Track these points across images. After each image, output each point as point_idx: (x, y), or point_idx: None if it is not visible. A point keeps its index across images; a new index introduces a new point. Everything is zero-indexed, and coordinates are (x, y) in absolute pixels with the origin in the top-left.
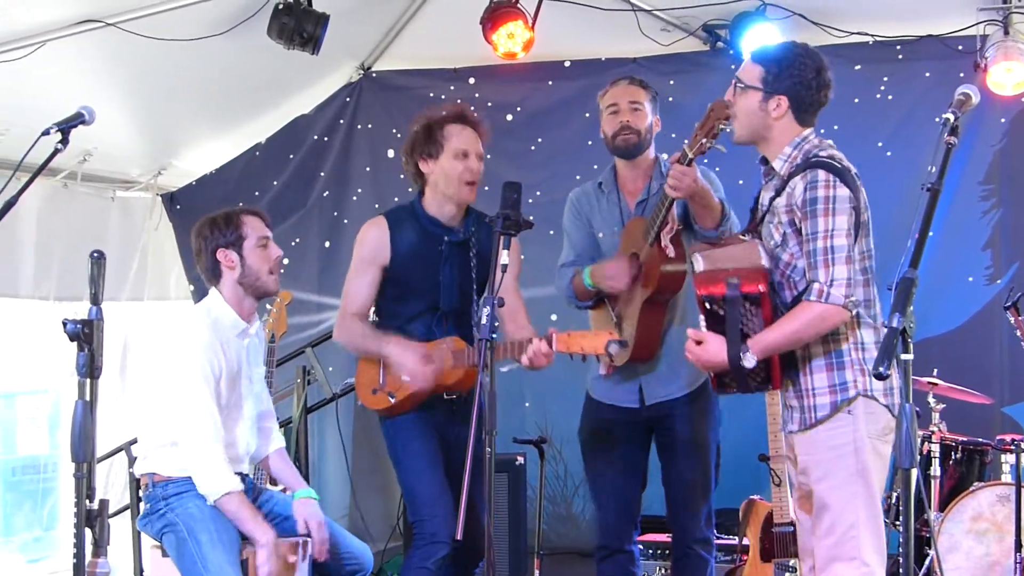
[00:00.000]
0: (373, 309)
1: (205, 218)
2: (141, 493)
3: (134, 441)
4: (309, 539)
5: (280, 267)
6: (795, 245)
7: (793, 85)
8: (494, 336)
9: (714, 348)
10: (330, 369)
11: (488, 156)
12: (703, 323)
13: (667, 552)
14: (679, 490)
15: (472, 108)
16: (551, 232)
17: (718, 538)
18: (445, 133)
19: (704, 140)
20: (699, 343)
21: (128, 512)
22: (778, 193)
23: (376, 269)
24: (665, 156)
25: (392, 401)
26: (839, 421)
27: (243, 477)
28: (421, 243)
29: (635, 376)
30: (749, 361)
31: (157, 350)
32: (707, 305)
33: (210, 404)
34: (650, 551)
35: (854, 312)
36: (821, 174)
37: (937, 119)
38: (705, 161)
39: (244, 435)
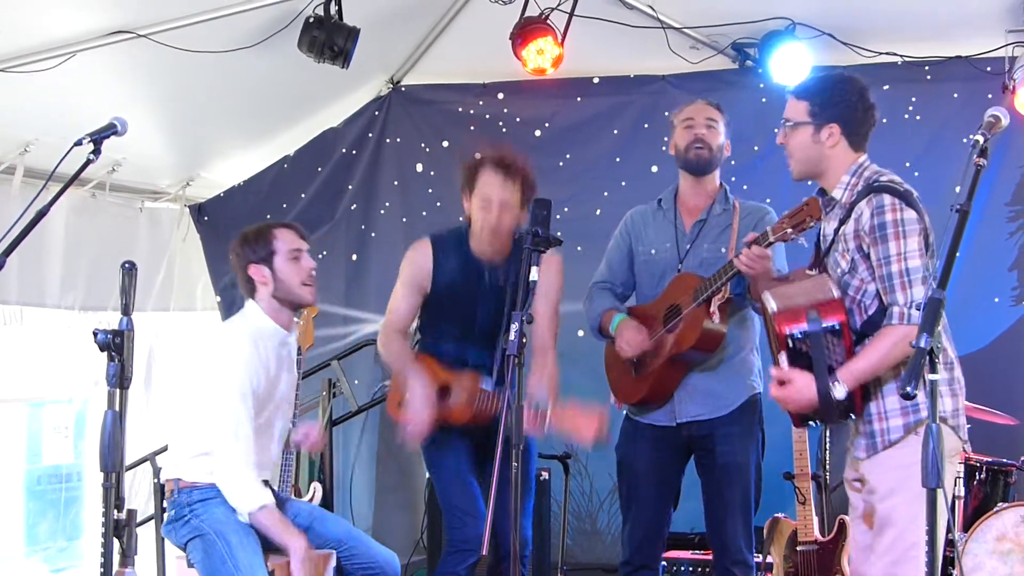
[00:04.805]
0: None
1: (240, 234)
2: (166, 500)
3: (159, 451)
4: (334, 551)
5: (315, 279)
6: (864, 270)
7: (841, 111)
8: (522, 352)
9: (801, 385)
10: (356, 382)
11: None
12: (784, 361)
13: (693, 569)
14: (717, 511)
15: (516, 153)
16: (579, 248)
17: None
18: (478, 178)
19: (790, 230)
20: (782, 383)
21: (152, 523)
22: (843, 222)
23: (418, 292)
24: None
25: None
26: (908, 441)
27: (265, 483)
28: (461, 276)
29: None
30: (839, 392)
31: (197, 362)
32: (790, 343)
33: (246, 424)
34: (677, 568)
35: None
36: (887, 198)
37: (965, 140)
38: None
39: (274, 445)
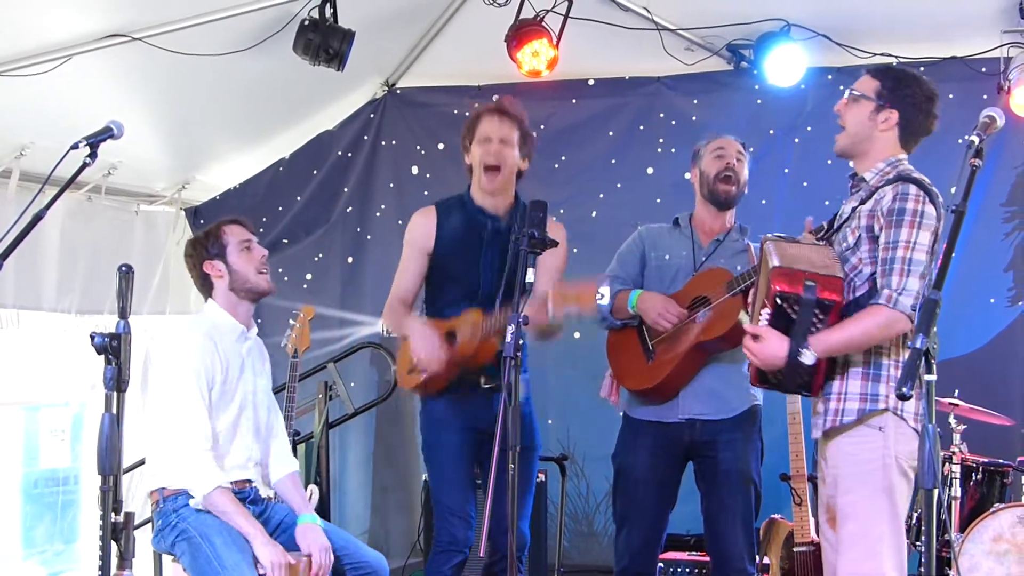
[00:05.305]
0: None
1: (189, 239)
2: (152, 511)
3: None
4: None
5: (268, 267)
6: (866, 251)
7: (905, 103)
8: (519, 354)
9: (774, 345)
10: (352, 384)
11: None
12: (765, 318)
13: (690, 571)
14: (718, 519)
15: (512, 99)
16: (575, 250)
17: None
18: (477, 125)
19: None
20: (756, 338)
21: (150, 525)
22: (863, 201)
23: (422, 256)
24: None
25: (423, 377)
26: (869, 436)
27: (248, 483)
28: (465, 230)
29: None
30: (808, 358)
31: (156, 361)
32: (778, 301)
33: (199, 406)
34: (673, 570)
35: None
36: (913, 188)
37: (961, 140)
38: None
39: (247, 442)
